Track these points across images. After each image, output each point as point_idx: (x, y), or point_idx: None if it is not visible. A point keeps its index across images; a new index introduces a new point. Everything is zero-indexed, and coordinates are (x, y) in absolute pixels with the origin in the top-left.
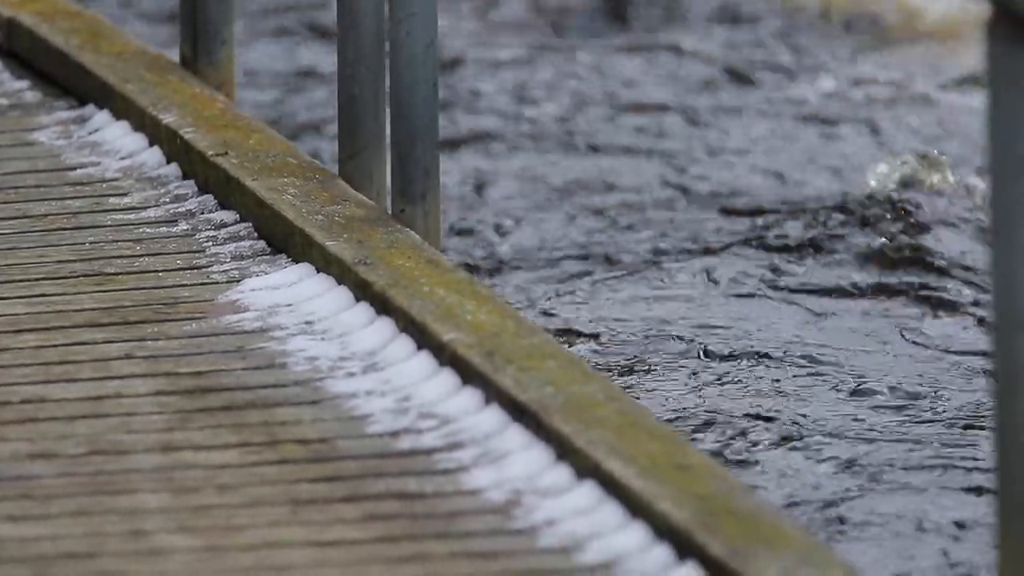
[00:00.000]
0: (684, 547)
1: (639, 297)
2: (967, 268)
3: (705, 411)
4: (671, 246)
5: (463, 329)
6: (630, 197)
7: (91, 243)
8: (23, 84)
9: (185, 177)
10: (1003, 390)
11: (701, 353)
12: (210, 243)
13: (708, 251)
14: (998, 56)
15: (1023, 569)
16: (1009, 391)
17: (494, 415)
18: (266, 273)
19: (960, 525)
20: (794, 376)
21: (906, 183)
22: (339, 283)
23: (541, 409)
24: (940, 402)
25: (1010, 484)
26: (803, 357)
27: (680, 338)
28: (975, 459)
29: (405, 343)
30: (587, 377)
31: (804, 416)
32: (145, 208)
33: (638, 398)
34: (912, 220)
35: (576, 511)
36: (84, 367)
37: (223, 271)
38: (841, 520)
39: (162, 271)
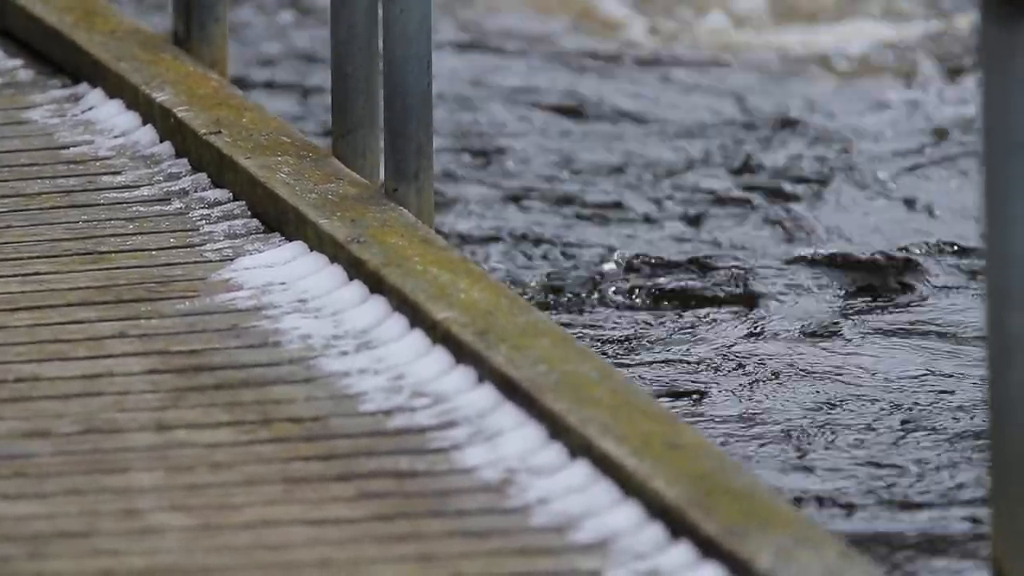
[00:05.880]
0: (677, 526)
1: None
2: None
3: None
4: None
5: (456, 308)
6: None
7: (84, 222)
8: (16, 62)
9: (178, 155)
10: (996, 365)
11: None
12: (203, 222)
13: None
14: (991, 34)
15: (1016, 538)
16: (1002, 366)
17: (487, 394)
18: (259, 251)
19: (955, 487)
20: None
21: None
22: (332, 261)
23: (534, 388)
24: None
25: (1002, 455)
26: None
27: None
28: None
29: (398, 322)
30: (581, 355)
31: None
32: (138, 187)
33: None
34: None
35: (569, 490)
36: (78, 346)
37: (216, 250)
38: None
39: (155, 250)
